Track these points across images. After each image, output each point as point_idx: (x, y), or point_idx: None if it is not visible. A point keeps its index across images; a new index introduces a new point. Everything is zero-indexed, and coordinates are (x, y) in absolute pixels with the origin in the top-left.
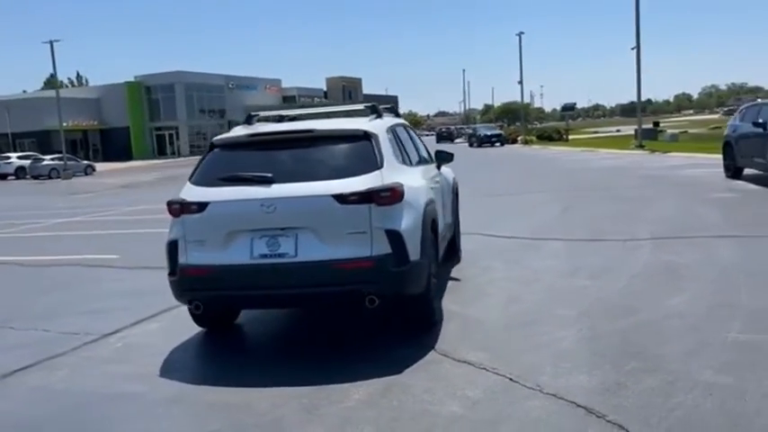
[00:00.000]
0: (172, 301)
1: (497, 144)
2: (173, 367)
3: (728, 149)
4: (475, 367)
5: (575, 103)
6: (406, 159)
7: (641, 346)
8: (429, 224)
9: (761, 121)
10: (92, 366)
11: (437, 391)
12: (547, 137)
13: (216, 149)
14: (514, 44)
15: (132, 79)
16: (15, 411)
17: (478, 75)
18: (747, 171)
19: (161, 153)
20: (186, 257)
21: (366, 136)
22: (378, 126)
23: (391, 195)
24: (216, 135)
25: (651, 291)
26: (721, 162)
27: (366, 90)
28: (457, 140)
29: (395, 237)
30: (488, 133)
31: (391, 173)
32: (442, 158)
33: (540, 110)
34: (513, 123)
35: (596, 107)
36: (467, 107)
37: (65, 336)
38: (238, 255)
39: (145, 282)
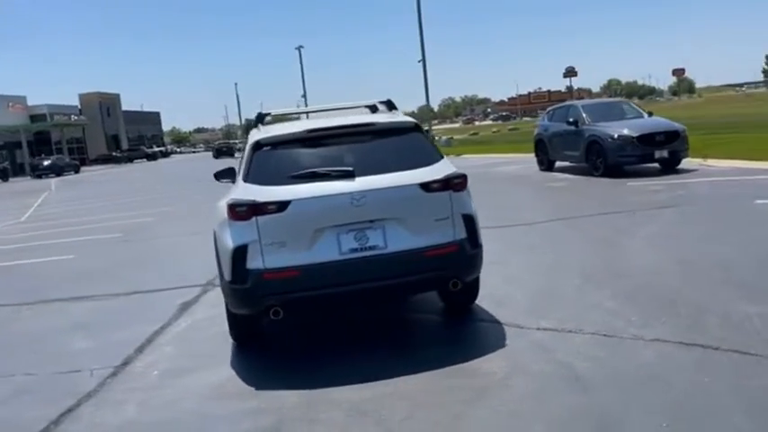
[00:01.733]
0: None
1: None
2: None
3: (541, 146)
4: (560, 332)
5: None
6: None
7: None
8: None
9: (571, 120)
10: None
11: (559, 354)
12: None
13: (266, 147)
14: (292, 58)
15: None
16: None
17: (251, 89)
18: (558, 164)
19: None
20: (263, 261)
21: (417, 128)
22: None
23: (463, 182)
24: None
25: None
26: (525, 158)
27: (125, 106)
28: (238, 155)
29: (469, 221)
30: None
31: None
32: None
33: None
34: None
35: None
36: (241, 121)
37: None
38: (325, 252)
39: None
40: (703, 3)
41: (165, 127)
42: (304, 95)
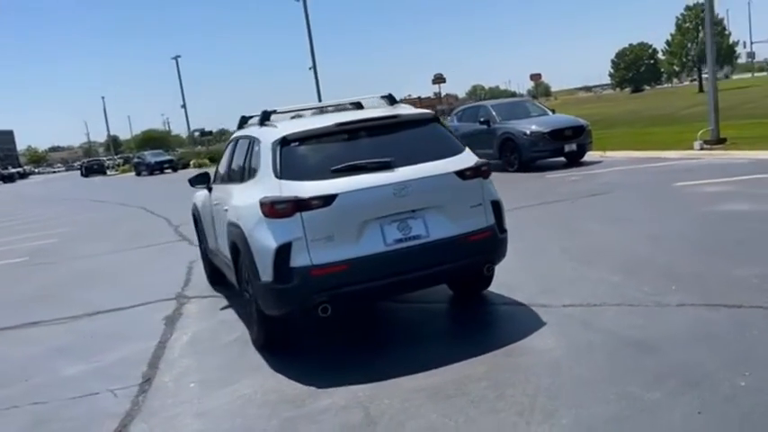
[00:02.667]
0: None
1: (169, 170)
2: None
3: None
4: (587, 307)
5: (210, 131)
6: None
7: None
8: None
9: (483, 119)
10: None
11: (601, 326)
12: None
13: (294, 143)
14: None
15: None
16: None
17: (118, 103)
18: None
19: None
20: (309, 257)
21: (437, 119)
22: None
23: (489, 169)
24: None
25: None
26: None
27: None
28: (111, 172)
29: (497, 207)
30: (159, 160)
31: None
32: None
33: (178, 136)
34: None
35: (223, 132)
36: (109, 136)
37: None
38: (371, 244)
39: None
40: (555, 10)
41: (20, 146)
42: (183, 106)
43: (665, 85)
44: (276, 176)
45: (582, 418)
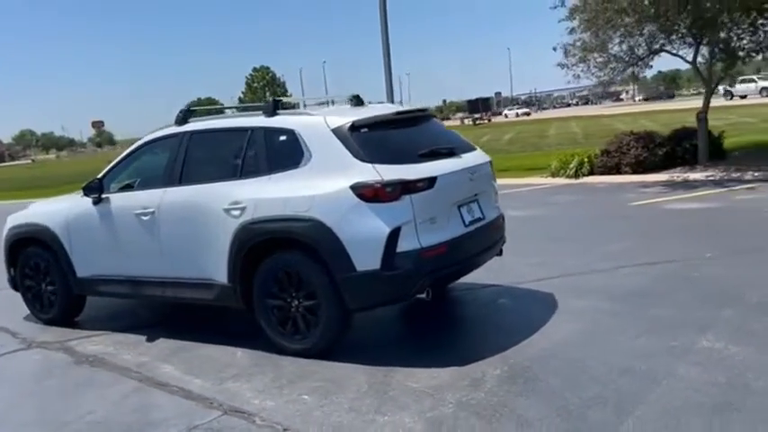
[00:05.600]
0: None
1: None
2: None
3: None
4: (617, 269)
5: None
6: None
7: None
8: None
9: None
10: None
11: (645, 277)
12: None
13: (363, 129)
14: None
15: None
16: None
17: None
18: None
19: None
20: (418, 240)
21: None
22: None
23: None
24: None
25: None
26: None
27: None
28: None
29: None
30: None
31: None
32: None
33: None
34: None
35: None
36: None
37: None
38: (457, 226)
39: None
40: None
41: None
42: None
43: None
44: (361, 161)
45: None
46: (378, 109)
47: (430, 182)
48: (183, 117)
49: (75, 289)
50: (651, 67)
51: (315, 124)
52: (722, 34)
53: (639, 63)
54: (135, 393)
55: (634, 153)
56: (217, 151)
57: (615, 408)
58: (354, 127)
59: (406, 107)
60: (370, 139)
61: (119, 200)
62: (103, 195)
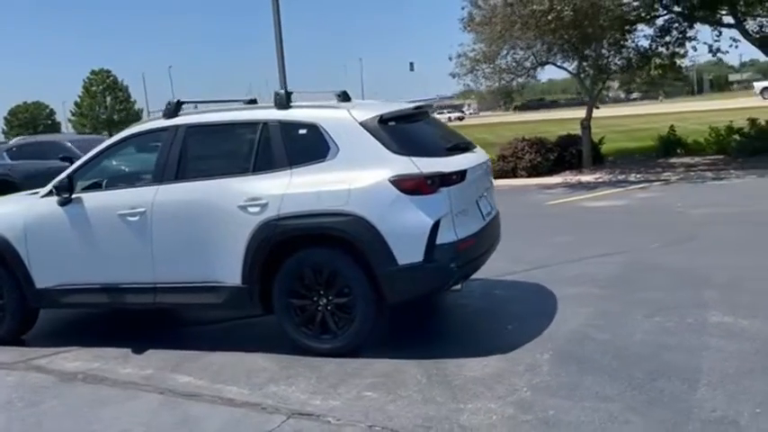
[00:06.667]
0: None
1: None
2: None
3: None
4: (611, 255)
5: None
6: None
7: None
8: None
9: (63, 156)
10: None
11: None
12: None
13: (391, 122)
14: None
15: None
16: None
17: None
18: None
19: None
20: (455, 233)
21: None
22: None
23: None
24: None
25: None
26: None
27: None
28: None
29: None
30: None
31: None
32: None
33: None
34: None
35: None
36: None
37: None
38: (479, 218)
39: None
40: None
41: None
42: None
43: None
44: (396, 154)
45: None
46: (391, 105)
47: (462, 175)
48: (174, 110)
49: (33, 302)
50: (536, 78)
51: (340, 117)
52: (591, 51)
53: (526, 74)
54: (164, 407)
55: (529, 158)
56: (221, 146)
57: (679, 378)
58: (383, 120)
59: (420, 102)
60: (398, 132)
61: (95, 199)
62: (74, 195)
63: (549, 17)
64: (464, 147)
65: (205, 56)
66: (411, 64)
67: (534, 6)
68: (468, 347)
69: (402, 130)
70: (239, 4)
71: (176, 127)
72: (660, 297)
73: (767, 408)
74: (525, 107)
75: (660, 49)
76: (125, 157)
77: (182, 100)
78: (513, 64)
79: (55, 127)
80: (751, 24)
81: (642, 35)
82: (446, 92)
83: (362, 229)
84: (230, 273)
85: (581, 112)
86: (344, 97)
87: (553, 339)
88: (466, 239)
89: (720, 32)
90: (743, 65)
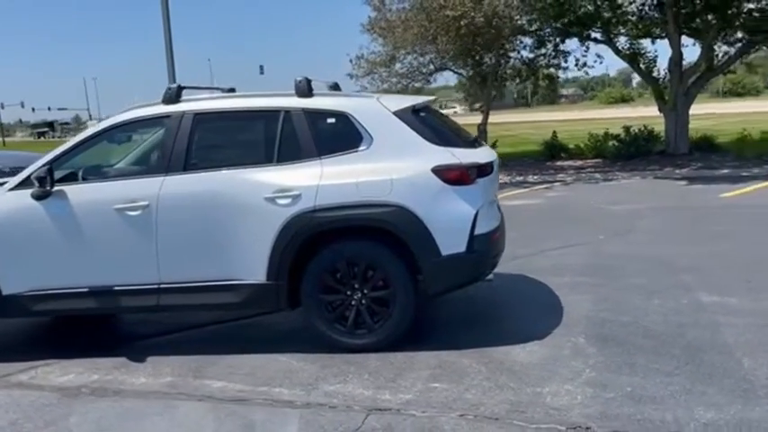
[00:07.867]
0: None
1: None
2: None
3: None
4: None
5: None
6: None
7: None
8: None
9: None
10: None
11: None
12: None
13: (421, 113)
14: None
15: None
16: None
17: None
18: None
19: None
20: (487, 223)
21: None
22: None
23: None
24: None
25: None
26: None
27: None
28: None
29: None
30: None
31: None
32: None
33: None
34: None
35: None
36: None
37: None
38: (496, 212)
39: None
40: None
41: None
42: None
43: None
44: (434, 144)
45: None
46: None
47: (491, 166)
48: (176, 95)
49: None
50: (433, 81)
51: (373, 107)
52: (488, 58)
53: (424, 78)
54: (214, 414)
55: None
56: (237, 134)
57: (718, 352)
58: (415, 110)
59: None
60: (428, 123)
61: (82, 192)
62: (55, 188)
63: (462, 23)
64: (477, 141)
65: None
66: (261, 67)
67: (448, 12)
68: (501, 335)
69: (431, 121)
70: None
71: (181, 113)
72: (645, 282)
73: None
74: None
75: (540, 60)
76: (118, 146)
77: (182, 85)
78: (412, 69)
79: None
80: (622, 41)
81: (523, 46)
82: None
83: (407, 219)
84: (252, 269)
85: (475, 118)
86: (336, 88)
87: (577, 324)
88: (496, 230)
89: (588, 48)
90: (567, 80)
